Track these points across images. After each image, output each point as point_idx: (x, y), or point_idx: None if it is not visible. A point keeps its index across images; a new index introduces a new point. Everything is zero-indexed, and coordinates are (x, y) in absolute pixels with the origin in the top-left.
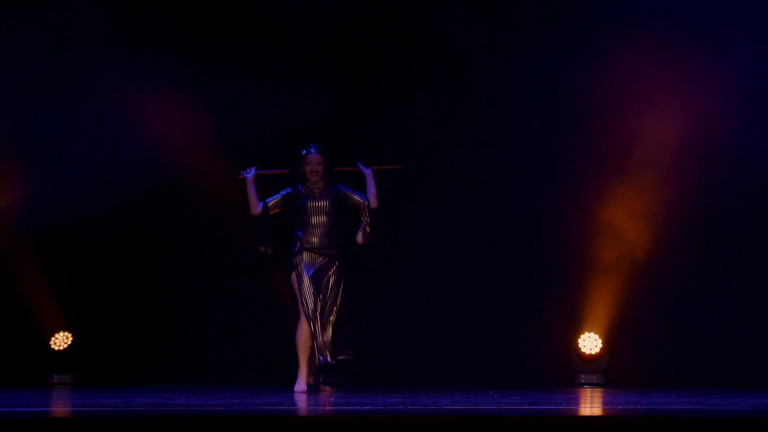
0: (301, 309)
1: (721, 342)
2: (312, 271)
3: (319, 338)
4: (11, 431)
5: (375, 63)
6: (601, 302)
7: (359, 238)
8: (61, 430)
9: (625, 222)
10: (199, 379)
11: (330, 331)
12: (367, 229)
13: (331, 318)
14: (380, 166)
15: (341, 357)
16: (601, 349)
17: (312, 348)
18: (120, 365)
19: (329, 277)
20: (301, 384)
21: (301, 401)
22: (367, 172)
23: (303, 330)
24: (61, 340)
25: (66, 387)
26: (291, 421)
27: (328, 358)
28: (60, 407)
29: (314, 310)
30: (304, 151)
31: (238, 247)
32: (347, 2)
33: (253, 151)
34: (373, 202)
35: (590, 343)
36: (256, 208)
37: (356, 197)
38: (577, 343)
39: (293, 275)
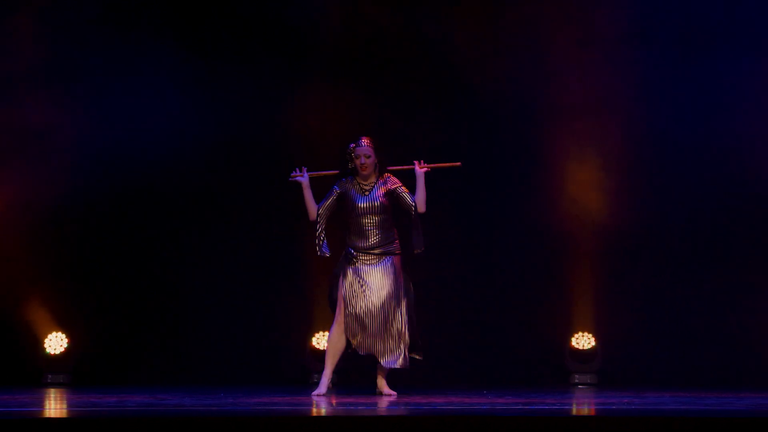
0: (340, 312)
1: (714, 342)
2: (361, 273)
3: (378, 344)
4: (5, 431)
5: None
6: (595, 302)
7: (413, 245)
8: (54, 431)
9: (620, 222)
10: (194, 379)
11: (394, 335)
12: (418, 236)
13: (391, 321)
14: (439, 164)
15: (414, 356)
16: (595, 348)
17: (344, 353)
18: (114, 365)
19: (383, 277)
20: (320, 388)
21: (294, 402)
22: (420, 173)
23: (335, 334)
24: (55, 341)
25: (60, 387)
26: (285, 421)
27: (396, 363)
28: (54, 408)
29: (356, 315)
30: (353, 144)
31: (234, 247)
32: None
33: (255, 150)
34: (421, 207)
35: (584, 342)
36: (315, 213)
37: (407, 199)
38: (571, 343)
39: (340, 277)
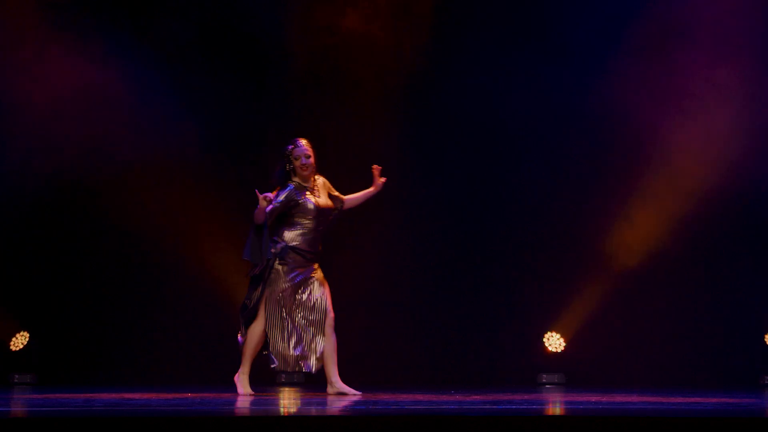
0: (264, 313)
1: (682, 343)
2: (296, 276)
3: (309, 346)
4: None
5: None
6: (565, 303)
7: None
8: (20, 431)
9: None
10: (161, 379)
11: (323, 338)
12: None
13: (326, 323)
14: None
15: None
16: (564, 349)
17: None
18: (82, 365)
19: (315, 282)
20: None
21: (260, 402)
22: (379, 185)
23: (257, 332)
24: (19, 340)
25: (26, 387)
26: (250, 421)
27: (312, 368)
28: (19, 407)
29: (290, 319)
30: (290, 146)
31: (200, 246)
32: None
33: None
34: (348, 206)
35: (554, 342)
36: (263, 219)
37: (335, 194)
38: (541, 343)
39: (269, 276)
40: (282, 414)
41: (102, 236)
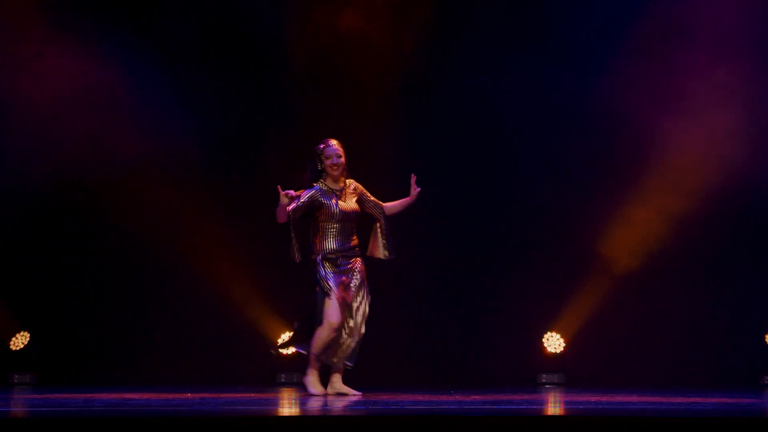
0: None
1: (682, 344)
2: (337, 276)
3: (348, 343)
4: None
5: None
6: (565, 303)
7: (379, 251)
8: (20, 431)
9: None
10: (161, 379)
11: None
12: (391, 241)
13: (360, 321)
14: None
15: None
16: (564, 349)
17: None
18: (82, 365)
19: (354, 279)
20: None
21: (260, 402)
22: (415, 193)
23: (324, 337)
24: (19, 340)
25: (26, 387)
26: (250, 422)
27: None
28: (19, 407)
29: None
30: (322, 145)
31: (200, 245)
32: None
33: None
34: (390, 212)
35: (553, 343)
36: (286, 217)
37: (373, 200)
38: (541, 343)
39: (319, 282)
40: (282, 414)
41: (102, 236)
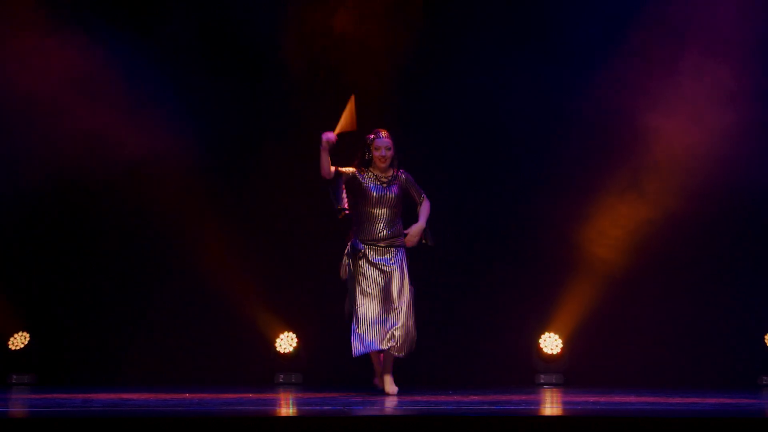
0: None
1: (682, 344)
2: (374, 266)
3: (390, 332)
4: None
5: None
6: (562, 303)
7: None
8: (20, 431)
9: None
10: (159, 379)
11: (405, 323)
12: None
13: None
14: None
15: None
16: (562, 349)
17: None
18: (81, 365)
19: (393, 269)
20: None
21: (260, 402)
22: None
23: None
24: (18, 340)
25: (25, 387)
26: (250, 422)
27: (402, 352)
28: (18, 407)
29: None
30: (372, 135)
31: (200, 245)
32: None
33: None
34: (426, 205)
35: (551, 343)
36: (329, 171)
37: (414, 193)
38: (538, 344)
39: (352, 271)
40: (282, 415)
41: (102, 236)
